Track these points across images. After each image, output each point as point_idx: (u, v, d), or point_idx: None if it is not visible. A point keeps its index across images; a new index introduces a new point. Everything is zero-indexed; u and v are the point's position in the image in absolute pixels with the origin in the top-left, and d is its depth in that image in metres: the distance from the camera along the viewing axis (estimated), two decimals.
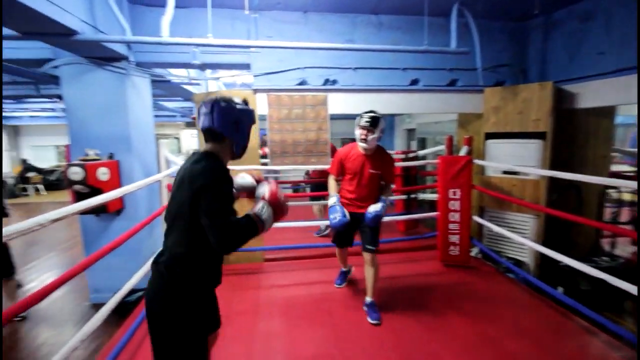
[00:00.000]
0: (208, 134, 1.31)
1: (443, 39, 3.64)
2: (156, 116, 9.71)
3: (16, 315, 1.20)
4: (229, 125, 1.29)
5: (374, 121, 2.29)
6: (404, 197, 4.71)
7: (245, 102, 1.37)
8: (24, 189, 10.54)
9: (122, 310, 2.49)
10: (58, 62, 3.11)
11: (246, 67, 3.57)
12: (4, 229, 1.25)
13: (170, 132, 13.95)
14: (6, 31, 2.42)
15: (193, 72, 4.52)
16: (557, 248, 2.58)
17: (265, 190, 1.33)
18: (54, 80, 3.83)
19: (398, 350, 2.11)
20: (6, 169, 11.42)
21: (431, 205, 5.36)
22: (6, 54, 3.22)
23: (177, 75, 4.31)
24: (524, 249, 3.56)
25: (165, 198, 3.45)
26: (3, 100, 6.27)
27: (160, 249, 1.35)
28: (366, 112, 2.36)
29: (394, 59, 3.67)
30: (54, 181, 11.06)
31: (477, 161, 3.46)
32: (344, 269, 2.95)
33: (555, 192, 3.63)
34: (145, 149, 3.62)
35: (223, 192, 1.20)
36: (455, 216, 3.29)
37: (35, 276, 4.29)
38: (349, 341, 2.20)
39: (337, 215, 2.36)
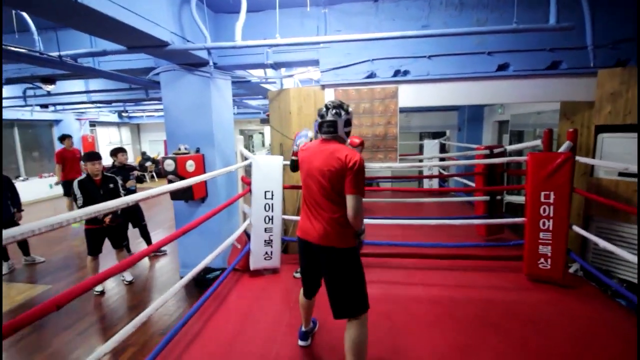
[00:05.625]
0: None
1: (543, 14, 3.08)
2: (242, 113, 10.73)
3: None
4: None
5: None
6: (486, 198, 4.21)
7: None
8: (143, 176, 12.70)
9: (203, 285, 2.84)
10: (158, 70, 3.61)
11: (315, 63, 3.59)
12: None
13: (255, 127, 15.09)
14: (116, 46, 2.90)
15: (270, 72, 4.76)
16: None
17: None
18: (158, 85, 4.47)
19: None
20: (131, 159, 13.91)
21: (520, 209, 4.67)
22: (121, 65, 3.88)
23: (253, 75, 4.60)
24: None
25: (240, 188, 3.75)
26: (127, 103, 7.58)
27: None
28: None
29: (478, 42, 3.25)
30: None
31: (580, 158, 2.85)
32: None
33: None
34: (226, 144, 3.97)
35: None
36: (547, 224, 2.79)
37: (144, 247, 5.16)
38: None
39: None
